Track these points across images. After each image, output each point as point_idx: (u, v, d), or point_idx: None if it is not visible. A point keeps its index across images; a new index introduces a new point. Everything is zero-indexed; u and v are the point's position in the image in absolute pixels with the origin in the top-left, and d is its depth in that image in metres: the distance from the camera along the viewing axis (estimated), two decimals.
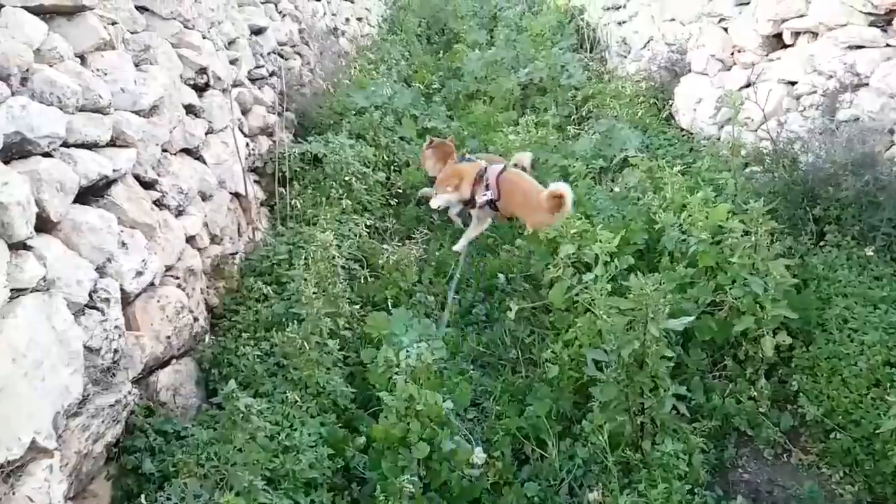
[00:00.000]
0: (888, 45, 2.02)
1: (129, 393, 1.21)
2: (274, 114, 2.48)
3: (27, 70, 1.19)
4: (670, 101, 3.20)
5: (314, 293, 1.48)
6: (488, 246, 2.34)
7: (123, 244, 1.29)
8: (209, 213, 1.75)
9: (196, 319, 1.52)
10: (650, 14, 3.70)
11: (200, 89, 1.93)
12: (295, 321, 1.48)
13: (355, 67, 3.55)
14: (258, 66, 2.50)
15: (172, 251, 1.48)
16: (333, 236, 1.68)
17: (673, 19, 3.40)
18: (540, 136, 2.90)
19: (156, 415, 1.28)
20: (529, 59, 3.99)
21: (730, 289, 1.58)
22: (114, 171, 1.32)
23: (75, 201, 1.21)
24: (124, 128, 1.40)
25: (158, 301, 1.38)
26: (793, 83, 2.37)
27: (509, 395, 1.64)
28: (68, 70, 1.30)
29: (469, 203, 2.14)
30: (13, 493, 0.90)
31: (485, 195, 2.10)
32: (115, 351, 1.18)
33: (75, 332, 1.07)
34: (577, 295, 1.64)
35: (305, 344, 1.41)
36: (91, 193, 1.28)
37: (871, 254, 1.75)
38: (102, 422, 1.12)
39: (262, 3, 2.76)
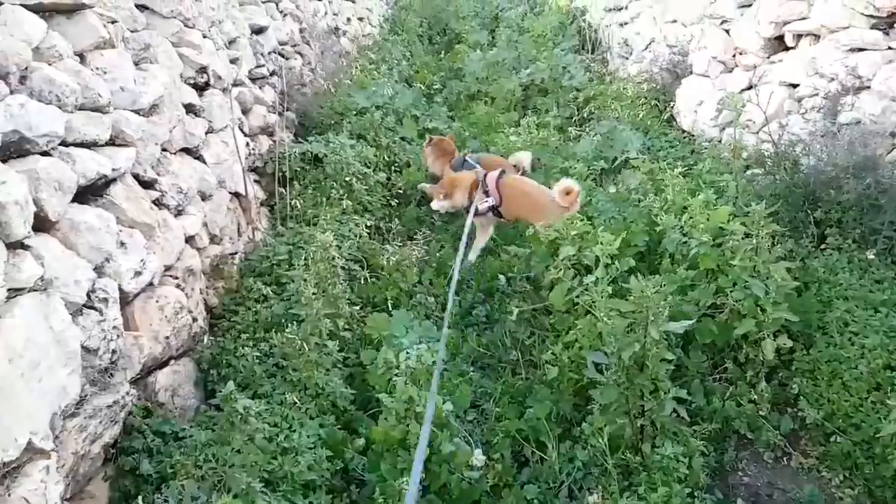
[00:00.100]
0: (890, 48, 2.02)
1: (127, 393, 1.20)
2: (274, 113, 2.47)
3: (26, 68, 1.18)
4: (672, 103, 3.19)
5: (314, 294, 1.47)
6: (488, 247, 2.34)
7: (122, 244, 1.28)
8: (209, 213, 1.75)
9: (195, 320, 1.51)
10: (652, 16, 3.70)
11: (200, 88, 1.93)
12: (294, 322, 1.48)
13: (356, 67, 3.55)
14: (259, 66, 2.50)
15: (171, 251, 1.47)
16: (333, 237, 1.67)
17: (675, 21, 3.40)
18: (541, 137, 2.90)
19: (154, 415, 1.27)
20: (531, 59, 3.99)
21: (731, 291, 1.58)
22: (113, 170, 1.32)
23: (74, 200, 1.20)
24: (123, 127, 1.40)
25: (157, 301, 1.37)
26: (794, 85, 2.37)
27: (509, 396, 1.64)
28: (67, 68, 1.29)
29: (468, 210, 2.14)
30: (9, 495, 0.90)
31: (485, 202, 2.09)
32: (113, 351, 1.18)
33: (73, 333, 1.06)
34: (577, 297, 1.63)
35: (305, 345, 1.41)
36: (90, 193, 1.28)
37: (872, 257, 1.75)
38: (100, 422, 1.12)
39: (263, 2, 2.76)
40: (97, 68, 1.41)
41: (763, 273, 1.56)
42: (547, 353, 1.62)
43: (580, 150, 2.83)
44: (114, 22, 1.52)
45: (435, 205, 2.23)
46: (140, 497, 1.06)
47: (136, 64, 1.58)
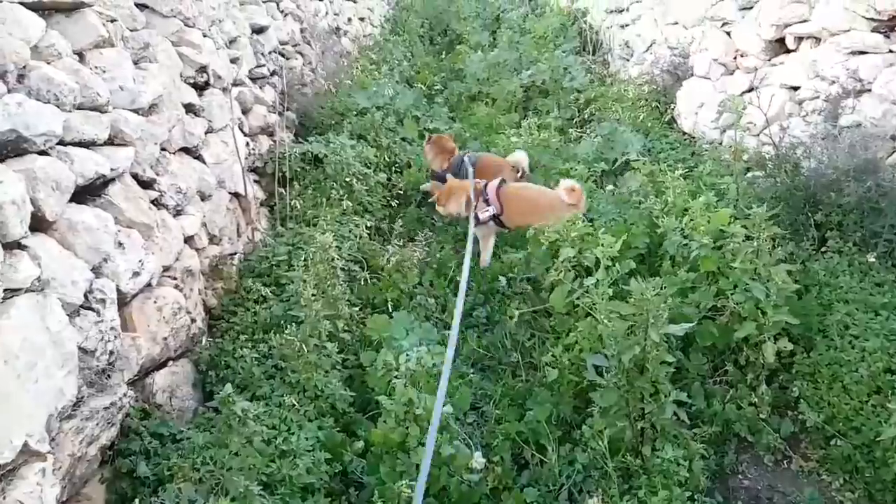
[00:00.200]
0: (891, 51, 2.02)
1: (125, 395, 1.19)
2: (275, 113, 2.47)
3: (24, 67, 1.18)
4: (672, 105, 3.19)
5: (313, 295, 1.46)
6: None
7: (120, 244, 1.27)
8: (208, 213, 1.74)
9: (193, 321, 1.51)
10: (653, 17, 3.70)
11: (200, 88, 1.92)
12: (294, 323, 1.47)
13: (357, 67, 3.54)
14: (259, 65, 2.49)
15: (170, 251, 1.46)
16: (333, 237, 1.66)
17: (676, 23, 3.40)
18: (542, 138, 2.89)
19: (151, 417, 1.26)
20: (532, 61, 3.98)
21: (731, 294, 1.58)
22: (111, 169, 1.31)
23: (72, 200, 1.19)
24: (122, 126, 1.39)
25: (155, 302, 1.36)
26: (795, 88, 2.37)
27: (509, 399, 1.63)
28: (66, 67, 1.28)
29: (468, 219, 2.16)
30: (3, 498, 0.89)
31: (486, 210, 2.09)
32: (111, 352, 1.17)
33: (70, 334, 1.05)
34: (577, 299, 1.63)
35: (304, 346, 1.40)
36: (88, 192, 1.27)
37: (873, 260, 1.74)
38: (97, 424, 1.11)
39: (263, 1, 2.75)
40: (96, 67, 1.40)
41: (764, 276, 1.56)
42: (547, 356, 1.62)
43: (581, 151, 2.82)
44: (113, 21, 1.51)
45: (439, 208, 2.25)
46: (137, 500, 1.06)
47: (135, 63, 1.57)
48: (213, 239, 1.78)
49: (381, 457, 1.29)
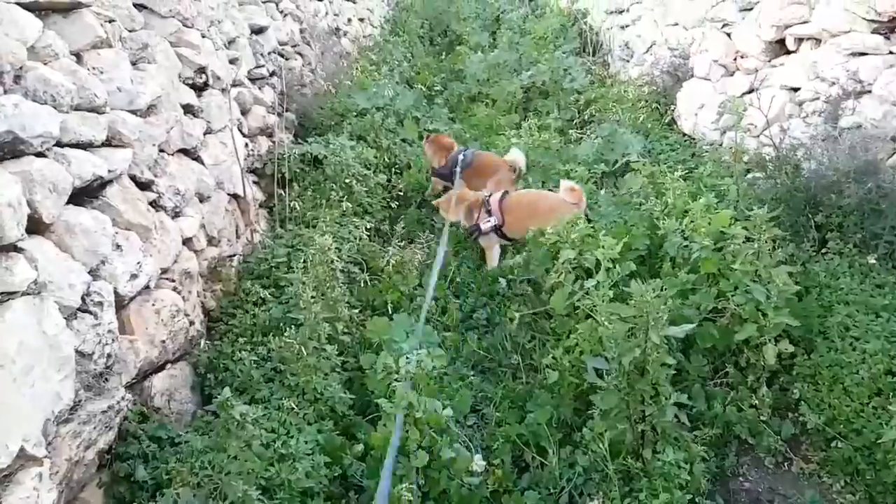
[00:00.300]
0: (891, 53, 2.02)
1: (123, 398, 1.19)
2: (274, 114, 2.46)
3: (20, 68, 1.17)
4: (672, 106, 3.19)
5: (312, 297, 1.46)
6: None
7: (118, 246, 1.26)
8: (206, 215, 1.73)
9: (192, 323, 1.50)
10: (653, 18, 3.69)
11: (199, 89, 1.91)
12: (293, 326, 1.46)
13: (357, 68, 3.53)
14: (258, 66, 2.48)
15: (168, 253, 1.45)
16: (333, 239, 1.66)
17: (676, 24, 3.40)
18: (542, 139, 2.88)
19: (150, 421, 1.26)
20: (532, 62, 3.98)
21: (732, 296, 1.57)
22: (109, 171, 1.30)
23: (69, 202, 1.18)
24: (120, 127, 1.38)
25: (153, 304, 1.36)
26: (795, 89, 2.36)
27: (510, 401, 1.63)
28: (63, 68, 1.27)
29: (467, 229, 2.22)
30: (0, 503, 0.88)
31: (488, 221, 2.14)
32: (108, 355, 1.16)
33: (67, 337, 1.04)
34: (578, 301, 1.62)
35: (303, 349, 1.39)
36: (85, 194, 1.26)
37: (874, 262, 1.74)
38: (94, 428, 1.10)
39: (263, 2, 2.74)
40: (93, 68, 1.39)
41: (764, 277, 1.56)
42: (548, 358, 1.61)
43: (581, 152, 2.82)
44: (111, 21, 1.50)
45: (443, 213, 2.32)
46: None
47: (133, 64, 1.56)
48: (211, 241, 1.77)
49: (381, 460, 1.27)
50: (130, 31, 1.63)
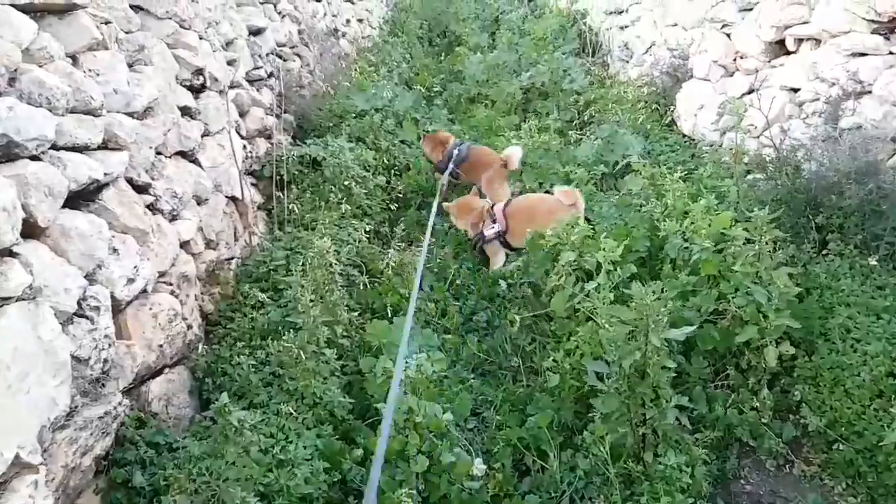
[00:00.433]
0: (891, 53, 2.01)
1: (120, 404, 1.17)
2: (272, 116, 2.45)
3: (15, 70, 1.16)
4: (672, 107, 3.18)
5: (311, 301, 1.45)
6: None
7: (115, 250, 1.25)
8: (204, 218, 1.72)
9: (190, 327, 1.49)
10: (652, 19, 3.69)
11: (196, 91, 1.90)
12: (291, 329, 1.45)
13: (356, 69, 3.52)
14: (256, 68, 2.47)
15: (166, 257, 1.44)
16: (332, 241, 1.65)
17: (675, 24, 3.39)
18: (542, 140, 2.88)
19: (147, 426, 1.24)
20: (531, 62, 3.97)
21: (732, 298, 1.57)
22: (105, 174, 1.29)
23: (65, 206, 1.17)
24: (117, 130, 1.37)
25: (150, 308, 1.35)
26: (795, 90, 2.36)
27: (510, 404, 1.62)
28: (59, 70, 1.26)
29: (470, 239, 2.27)
30: None
31: (492, 227, 2.17)
32: (105, 361, 1.15)
33: (63, 342, 1.03)
34: (578, 303, 1.62)
35: (302, 353, 1.38)
36: (81, 198, 1.25)
37: (875, 263, 1.73)
38: (91, 434, 1.09)
39: (260, 3, 2.72)
40: (90, 70, 1.38)
41: (765, 279, 1.55)
42: (548, 360, 1.60)
43: (581, 154, 2.82)
44: (107, 23, 1.49)
45: (452, 218, 2.40)
46: None
47: (130, 66, 1.55)
48: (209, 244, 1.76)
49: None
50: (127, 33, 1.62)
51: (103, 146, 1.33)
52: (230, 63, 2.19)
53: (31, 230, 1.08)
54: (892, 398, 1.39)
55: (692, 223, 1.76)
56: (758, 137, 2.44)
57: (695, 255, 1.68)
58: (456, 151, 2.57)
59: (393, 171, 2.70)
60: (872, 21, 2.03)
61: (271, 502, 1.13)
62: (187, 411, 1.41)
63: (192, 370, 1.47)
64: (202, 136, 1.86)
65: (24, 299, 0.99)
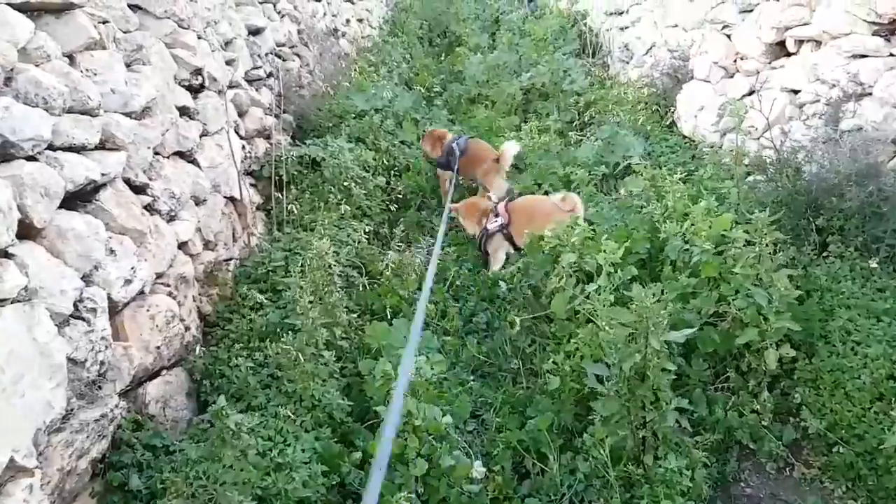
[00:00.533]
0: (891, 55, 2.01)
1: (116, 406, 1.17)
2: (271, 116, 2.43)
3: (11, 70, 1.15)
4: (672, 108, 3.18)
5: (310, 302, 1.44)
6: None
7: (112, 251, 1.24)
8: (202, 218, 1.71)
9: (187, 328, 1.48)
10: (653, 20, 3.69)
11: (195, 90, 1.89)
12: (290, 331, 1.45)
13: (355, 69, 3.51)
14: (255, 67, 2.46)
15: (163, 258, 1.43)
16: (331, 242, 1.64)
17: (675, 25, 3.39)
18: (543, 141, 2.88)
19: (144, 428, 1.23)
20: (531, 63, 3.97)
21: (733, 300, 1.56)
22: (102, 175, 1.28)
23: (61, 207, 1.16)
24: (114, 130, 1.36)
25: (148, 310, 1.34)
26: (796, 92, 2.36)
27: (510, 406, 1.61)
28: (55, 70, 1.25)
29: (474, 236, 2.30)
30: None
31: (495, 221, 2.19)
32: (102, 363, 1.14)
33: (58, 344, 1.02)
34: (579, 305, 1.61)
35: (300, 355, 1.37)
36: (78, 198, 1.24)
37: (875, 265, 1.73)
38: (87, 437, 1.08)
39: (260, 2, 2.71)
40: (87, 70, 1.37)
41: (765, 281, 1.55)
42: (548, 363, 1.60)
43: (581, 155, 2.81)
44: (105, 22, 1.48)
45: (459, 219, 2.46)
46: None
47: (127, 65, 1.54)
48: (207, 244, 1.75)
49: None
50: (125, 33, 1.61)
51: (100, 146, 1.32)
52: (229, 63, 2.18)
53: (26, 231, 1.07)
54: (892, 401, 1.39)
55: (692, 225, 1.76)
56: (758, 139, 2.44)
57: (695, 256, 1.68)
58: (455, 145, 2.60)
59: (393, 172, 2.69)
60: (873, 23, 2.03)
61: None
62: (185, 413, 1.40)
63: (190, 372, 1.46)
64: (200, 136, 1.85)
65: (19, 301, 0.98)
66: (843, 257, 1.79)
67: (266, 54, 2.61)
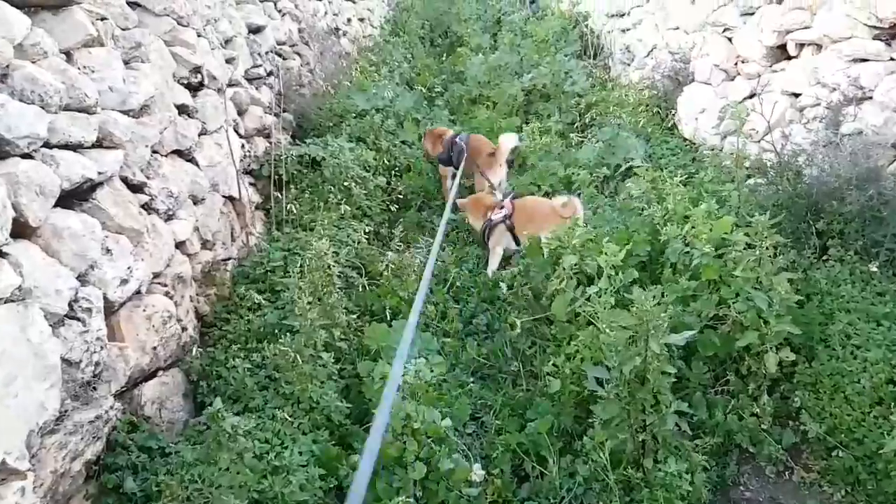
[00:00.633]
0: (892, 59, 2.02)
1: (111, 408, 1.15)
2: (271, 115, 2.42)
3: (7, 66, 1.13)
4: (673, 111, 3.18)
5: (309, 303, 1.42)
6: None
7: (108, 250, 1.23)
8: (201, 218, 1.70)
9: (184, 329, 1.46)
10: (654, 22, 3.69)
11: (194, 89, 1.88)
12: (288, 332, 1.43)
13: (356, 69, 3.51)
14: (255, 66, 2.45)
15: (160, 257, 1.42)
16: (331, 243, 1.63)
17: (677, 28, 3.39)
18: (544, 142, 2.87)
19: (140, 430, 1.22)
20: (533, 64, 3.97)
21: (733, 303, 1.56)
22: (99, 173, 1.26)
23: (57, 205, 1.15)
24: (111, 128, 1.34)
25: (144, 310, 1.32)
26: (797, 95, 2.36)
27: (510, 409, 1.61)
28: (52, 67, 1.24)
29: (479, 230, 2.32)
30: None
31: (499, 212, 2.22)
32: (97, 363, 1.12)
33: (53, 345, 1.01)
34: (579, 307, 1.61)
35: (298, 357, 1.36)
36: (74, 197, 1.22)
37: (875, 269, 1.73)
38: (81, 439, 1.07)
39: (260, 1, 2.71)
40: (84, 67, 1.35)
41: (766, 285, 1.55)
42: (548, 365, 1.59)
43: (582, 156, 2.82)
44: (103, 19, 1.47)
45: (465, 216, 2.51)
46: None
47: (126, 63, 1.52)
48: (205, 244, 1.73)
49: (378, 472, 1.25)
50: (123, 30, 1.59)
51: (97, 144, 1.31)
52: (229, 61, 2.16)
53: (21, 230, 1.05)
54: (892, 405, 1.39)
55: (693, 228, 1.76)
56: (759, 142, 2.44)
57: (695, 259, 1.68)
58: (458, 140, 2.63)
59: (393, 172, 2.69)
60: (874, 27, 2.03)
61: None
62: (181, 415, 1.39)
63: (187, 373, 1.45)
64: (199, 134, 1.84)
65: (13, 301, 0.97)
66: (843, 261, 1.79)
67: (266, 53, 2.60)
